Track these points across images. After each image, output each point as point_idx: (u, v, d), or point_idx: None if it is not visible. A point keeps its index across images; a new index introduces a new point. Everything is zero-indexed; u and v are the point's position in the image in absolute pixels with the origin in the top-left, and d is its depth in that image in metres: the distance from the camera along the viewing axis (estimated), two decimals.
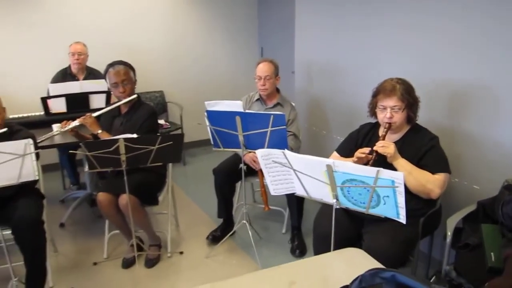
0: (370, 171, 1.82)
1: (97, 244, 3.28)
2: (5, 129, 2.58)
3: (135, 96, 3.04)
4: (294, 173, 2.08)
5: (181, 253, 3.21)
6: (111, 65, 3.02)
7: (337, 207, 2.03)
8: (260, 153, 2.17)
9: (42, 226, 2.54)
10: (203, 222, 3.68)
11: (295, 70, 4.20)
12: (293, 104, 3.48)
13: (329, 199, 2.05)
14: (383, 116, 2.35)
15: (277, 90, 3.43)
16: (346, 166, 1.88)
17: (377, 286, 1.36)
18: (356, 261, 1.71)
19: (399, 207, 1.87)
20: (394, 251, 2.15)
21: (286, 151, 2.03)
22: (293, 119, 3.34)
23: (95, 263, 3.08)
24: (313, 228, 2.49)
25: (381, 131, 2.42)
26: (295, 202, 3.18)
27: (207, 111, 2.86)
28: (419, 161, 2.30)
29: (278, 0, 5.41)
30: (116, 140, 2.51)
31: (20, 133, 2.68)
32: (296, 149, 3.29)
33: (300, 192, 2.17)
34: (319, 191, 2.07)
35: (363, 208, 1.99)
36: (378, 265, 1.62)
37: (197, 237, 3.41)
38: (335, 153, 2.62)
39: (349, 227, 2.38)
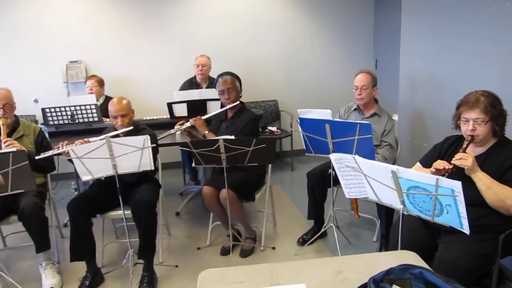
0: (431, 179, 1.90)
1: (202, 232, 3.72)
2: (131, 127, 3.14)
3: (238, 102, 3.43)
4: (364, 177, 2.23)
5: (273, 248, 3.49)
6: (221, 75, 3.46)
7: (405, 213, 2.13)
8: (333, 157, 2.35)
9: (154, 209, 3.03)
10: (299, 223, 3.92)
11: (399, 82, 4.21)
12: (393, 115, 3.54)
13: (397, 205, 2.15)
14: (465, 129, 2.35)
15: (375, 101, 3.53)
16: (409, 173, 1.98)
17: (406, 280, 1.48)
18: (407, 262, 1.80)
19: (462, 217, 1.91)
20: (466, 265, 2.15)
21: (356, 156, 2.18)
22: (390, 129, 3.41)
23: (198, 248, 3.53)
24: (390, 235, 2.58)
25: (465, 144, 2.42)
26: (384, 211, 3.24)
27: (300, 119, 3.11)
28: (502, 176, 2.25)
29: (393, 13, 5.42)
30: (217, 140, 2.91)
31: (144, 131, 3.23)
32: (392, 160, 3.36)
33: (371, 196, 2.30)
34: (388, 197, 2.18)
35: (428, 216, 2.06)
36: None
37: (291, 236, 3.66)
38: (418, 164, 2.66)
39: (425, 237, 2.42)
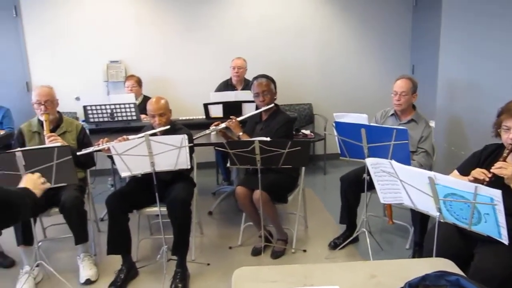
0: (469, 187, 1.87)
1: (234, 232, 3.77)
2: (168, 127, 3.22)
3: (272, 105, 3.46)
4: (400, 183, 2.21)
5: (304, 251, 3.50)
6: (256, 78, 3.50)
7: (441, 220, 2.10)
8: (369, 161, 2.34)
9: (189, 207, 3.10)
10: (330, 227, 3.91)
11: (437, 87, 4.14)
12: (429, 121, 3.50)
13: (433, 212, 2.13)
14: (506, 137, 2.31)
15: (413, 107, 3.49)
16: (447, 180, 1.96)
17: (442, 287, 1.47)
18: (442, 269, 1.78)
19: (500, 226, 1.87)
20: (501, 275, 2.10)
21: (392, 161, 2.18)
22: (427, 136, 3.36)
23: (230, 247, 3.58)
24: (424, 243, 2.55)
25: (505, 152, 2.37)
26: (418, 218, 3.20)
27: (335, 122, 3.11)
28: None
29: (432, 18, 5.34)
30: (252, 142, 2.95)
31: (181, 131, 3.30)
32: (428, 167, 3.31)
33: (407, 202, 2.28)
34: (424, 203, 2.16)
35: (466, 224, 2.03)
36: None
37: (322, 240, 3.66)
38: (455, 171, 2.62)
39: (460, 245, 2.37)
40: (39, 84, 3.53)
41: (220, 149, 3.08)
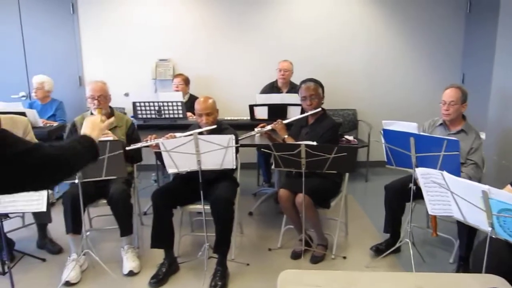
0: None
1: (274, 234, 3.78)
2: (215, 126, 3.27)
3: (320, 109, 3.45)
4: (451, 195, 2.16)
5: (344, 257, 3.47)
6: (304, 81, 3.50)
7: (493, 236, 2.04)
8: (419, 171, 2.30)
9: (232, 206, 3.14)
10: (371, 235, 3.86)
11: (490, 98, 4.01)
12: (480, 132, 3.39)
13: (485, 227, 2.06)
14: None
15: (463, 117, 3.39)
16: (502, 195, 1.90)
17: None
18: (493, 286, 1.73)
19: None
20: None
21: (444, 172, 2.13)
22: (477, 148, 3.26)
23: (269, 249, 3.59)
24: (471, 258, 2.47)
25: None
26: (465, 232, 3.10)
27: (384, 130, 3.07)
28: None
29: (487, 26, 5.18)
30: (299, 145, 2.95)
31: (227, 131, 3.35)
32: (477, 179, 3.21)
33: (456, 215, 2.23)
34: (475, 217, 2.10)
35: None
36: None
37: (362, 247, 3.61)
38: (508, 186, 2.54)
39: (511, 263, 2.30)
40: (92, 79, 3.66)
41: (266, 150, 3.10)
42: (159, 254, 3.27)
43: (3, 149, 1.21)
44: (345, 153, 2.93)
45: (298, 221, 3.39)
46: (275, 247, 3.62)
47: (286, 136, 3.49)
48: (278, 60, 5.13)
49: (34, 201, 2.17)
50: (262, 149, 3.29)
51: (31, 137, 3.46)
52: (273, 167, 3.21)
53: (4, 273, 3.18)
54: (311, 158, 2.97)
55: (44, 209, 2.24)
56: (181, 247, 3.54)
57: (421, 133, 3.06)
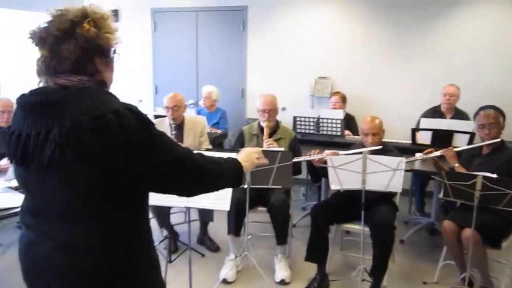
0: None
1: (428, 266, 3.56)
2: (380, 147, 3.21)
3: (499, 140, 3.17)
4: None
5: None
6: (483, 108, 3.27)
7: None
8: None
9: (394, 231, 3.04)
10: None
11: None
12: None
13: None
14: None
15: None
16: None
17: None
18: None
19: None
20: None
21: None
22: None
23: (424, 283, 3.38)
24: None
25: None
26: None
27: None
28: None
29: None
30: (475, 176, 2.74)
31: (392, 152, 3.27)
32: None
33: None
34: None
35: None
36: None
37: None
38: None
39: None
40: (254, 92, 3.87)
41: (436, 178, 2.95)
42: (309, 268, 3.30)
43: (160, 154, 1.28)
44: None
45: (461, 257, 3.14)
46: (431, 281, 3.40)
47: (456, 165, 3.27)
48: (440, 82, 4.85)
49: (220, 200, 2.36)
50: (432, 176, 3.12)
51: (205, 138, 3.83)
52: (441, 195, 3.03)
53: (170, 261, 3.52)
54: (486, 191, 2.73)
55: (228, 208, 2.42)
56: (331, 264, 3.52)
57: None
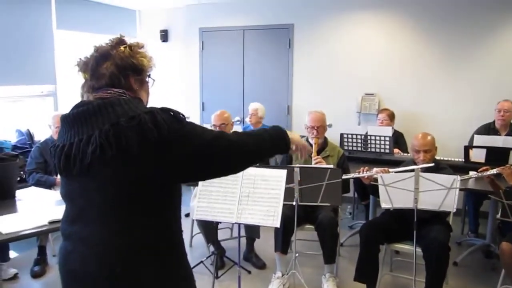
0: None
1: None
2: (432, 164, 3.12)
3: None
4: None
5: None
6: None
7: None
8: None
9: (448, 252, 2.92)
10: None
11: None
12: None
13: None
14: None
15: None
16: None
17: None
18: None
19: None
20: None
21: None
22: None
23: None
24: None
25: None
26: None
27: None
28: None
29: None
30: None
31: (445, 170, 3.17)
32: None
33: None
34: None
35: None
36: None
37: None
38: None
39: None
40: (300, 108, 3.86)
41: (494, 197, 2.82)
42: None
43: (197, 137, 1.33)
44: None
45: None
46: None
47: None
48: (493, 98, 4.68)
49: (270, 216, 2.36)
50: (488, 195, 3.00)
51: None
52: (498, 216, 2.89)
53: (217, 277, 3.53)
54: None
55: (278, 225, 2.41)
56: (381, 285, 3.42)
57: None
